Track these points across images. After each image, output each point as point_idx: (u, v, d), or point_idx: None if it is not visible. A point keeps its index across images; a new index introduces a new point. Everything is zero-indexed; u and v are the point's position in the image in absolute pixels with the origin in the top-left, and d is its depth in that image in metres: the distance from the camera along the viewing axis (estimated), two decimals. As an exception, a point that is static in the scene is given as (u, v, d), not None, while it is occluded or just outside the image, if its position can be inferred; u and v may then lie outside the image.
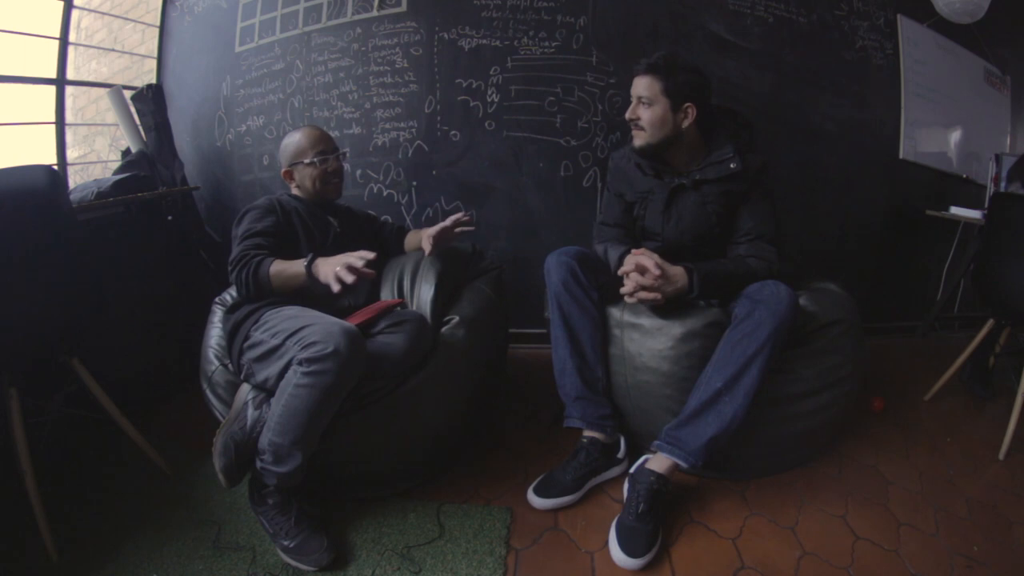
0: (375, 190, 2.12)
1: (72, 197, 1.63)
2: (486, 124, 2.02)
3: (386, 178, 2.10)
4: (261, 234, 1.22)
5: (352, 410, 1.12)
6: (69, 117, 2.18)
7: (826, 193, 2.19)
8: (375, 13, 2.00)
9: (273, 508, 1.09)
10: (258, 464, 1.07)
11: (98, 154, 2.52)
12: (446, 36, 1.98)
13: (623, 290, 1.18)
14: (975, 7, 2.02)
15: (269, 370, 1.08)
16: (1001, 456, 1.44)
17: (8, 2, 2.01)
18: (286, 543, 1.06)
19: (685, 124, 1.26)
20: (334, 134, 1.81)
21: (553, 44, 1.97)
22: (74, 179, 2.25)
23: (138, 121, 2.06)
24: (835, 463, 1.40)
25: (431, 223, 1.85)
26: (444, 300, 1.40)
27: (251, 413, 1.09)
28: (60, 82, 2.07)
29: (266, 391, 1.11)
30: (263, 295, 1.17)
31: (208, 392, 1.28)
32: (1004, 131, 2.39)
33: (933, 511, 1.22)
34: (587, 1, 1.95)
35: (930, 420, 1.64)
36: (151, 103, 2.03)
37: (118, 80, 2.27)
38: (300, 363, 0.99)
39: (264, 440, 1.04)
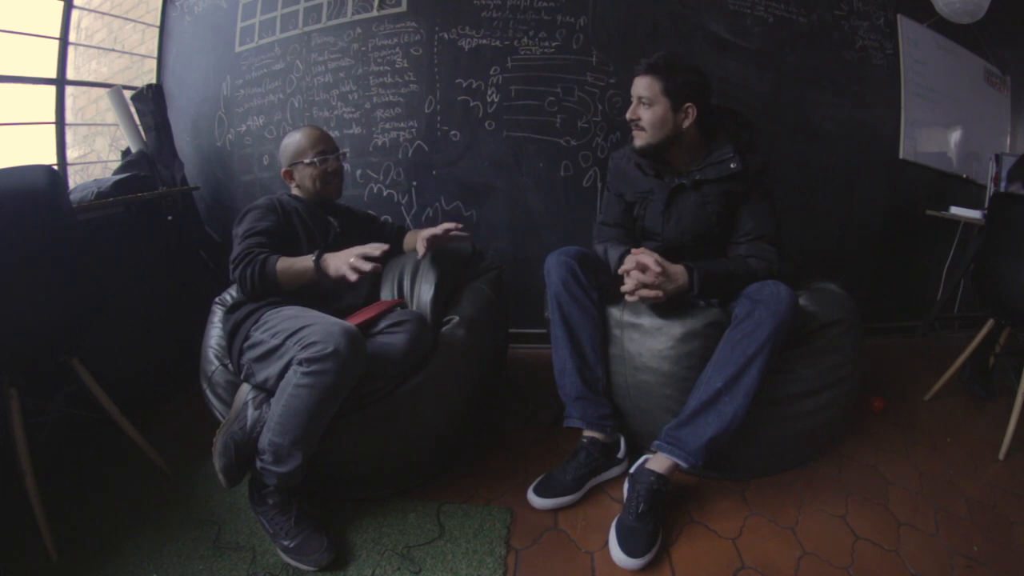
0: (375, 190, 2.12)
1: (72, 197, 1.63)
2: (486, 124, 2.02)
3: (386, 178, 2.10)
4: (263, 233, 1.22)
5: (352, 410, 1.12)
6: (69, 117, 2.17)
7: (826, 193, 2.19)
8: (375, 13, 2.00)
9: (273, 508, 1.09)
10: (258, 464, 1.07)
11: (98, 154, 2.52)
12: (446, 36, 1.98)
13: (624, 288, 1.18)
14: (975, 7, 2.01)
15: (269, 370, 1.08)
16: (1001, 456, 1.44)
17: (8, 2, 2.00)
18: (286, 543, 1.06)
19: (685, 124, 1.26)
20: (334, 134, 1.81)
21: (553, 44, 1.97)
22: (74, 179, 2.24)
23: (138, 121, 2.06)
24: (835, 463, 1.40)
25: (431, 223, 1.85)
26: (444, 300, 1.40)
27: (251, 413, 1.09)
28: (60, 82, 2.07)
29: (266, 391, 1.11)
30: (269, 292, 1.17)
31: (208, 392, 1.28)
32: (1004, 131, 2.39)
33: (933, 511, 1.22)
34: (587, 1, 1.95)
35: (930, 420, 1.64)
36: (151, 103, 2.03)
37: (118, 80, 2.27)
38: (300, 363, 0.99)
39: (264, 440, 1.04)
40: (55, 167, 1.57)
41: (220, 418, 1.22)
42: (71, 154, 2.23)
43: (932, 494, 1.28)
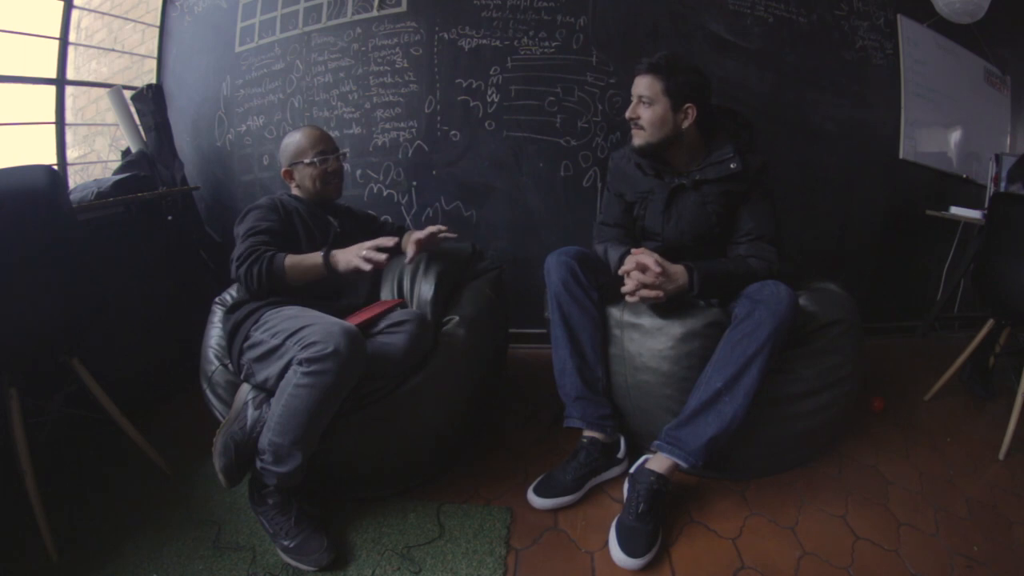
0: (375, 190, 2.11)
1: (72, 197, 1.63)
2: (486, 124, 2.02)
3: (386, 178, 2.10)
4: (266, 232, 1.23)
5: (352, 410, 1.12)
6: (69, 117, 2.17)
7: (826, 193, 2.19)
8: (375, 13, 2.00)
9: (273, 508, 1.09)
10: (258, 464, 1.07)
11: (98, 154, 2.52)
12: (446, 36, 1.98)
13: (624, 289, 1.18)
14: (975, 7, 2.01)
15: (269, 370, 1.08)
16: (1001, 456, 1.44)
17: (8, 2, 2.00)
18: (286, 543, 1.06)
19: (685, 124, 1.26)
20: (334, 134, 1.81)
21: (553, 44, 1.97)
22: (74, 179, 2.25)
23: (138, 121, 2.06)
24: (835, 463, 1.40)
25: (431, 223, 1.85)
26: (444, 300, 1.40)
27: (251, 413, 1.09)
28: (60, 82, 2.07)
29: (266, 391, 1.11)
30: (275, 289, 1.18)
31: (208, 392, 1.28)
32: (1004, 131, 2.39)
33: (933, 511, 1.22)
34: (587, 1, 1.95)
35: (930, 420, 1.64)
36: (151, 103, 2.03)
37: (118, 80, 2.27)
38: (300, 363, 0.99)
39: (264, 440, 1.04)
40: (55, 167, 1.57)
41: (220, 418, 1.22)
42: (71, 154, 2.23)
43: (932, 494, 1.28)
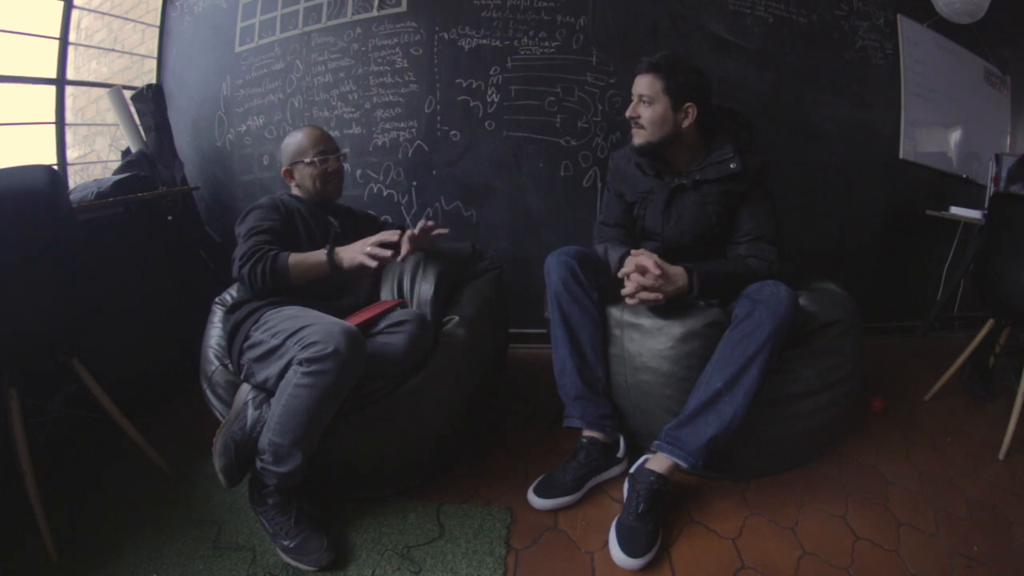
0: (375, 190, 2.11)
1: (72, 197, 1.63)
2: (486, 124, 2.02)
3: (386, 178, 2.10)
4: (268, 232, 1.23)
5: (352, 410, 1.12)
6: (69, 117, 2.17)
7: (826, 193, 2.19)
8: (375, 13, 2.00)
9: (273, 508, 1.09)
10: (258, 464, 1.07)
11: (98, 154, 2.52)
12: (446, 36, 1.98)
13: (624, 292, 1.18)
14: (975, 7, 2.01)
15: (269, 370, 1.08)
16: (1001, 456, 1.44)
17: (8, 2, 2.00)
18: (286, 543, 1.06)
19: (685, 124, 1.26)
20: (334, 134, 1.81)
21: (553, 44, 1.97)
22: (74, 179, 2.24)
23: (138, 121, 2.06)
24: (835, 463, 1.40)
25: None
26: (444, 300, 1.40)
27: (251, 413, 1.09)
28: (60, 82, 2.07)
29: (266, 391, 1.11)
30: (278, 288, 1.18)
31: (208, 392, 1.28)
32: (1004, 131, 2.39)
33: (933, 511, 1.22)
34: (587, 1, 1.95)
35: (930, 420, 1.64)
36: (151, 103, 2.03)
37: (118, 80, 2.27)
38: (300, 363, 0.99)
39: (264, 440, 1.04)
40: (55, 167, 1.57)
41: (220, 418, 1.22)
42: (71, 154, 2.23)
43: (932, 494, 1.28)
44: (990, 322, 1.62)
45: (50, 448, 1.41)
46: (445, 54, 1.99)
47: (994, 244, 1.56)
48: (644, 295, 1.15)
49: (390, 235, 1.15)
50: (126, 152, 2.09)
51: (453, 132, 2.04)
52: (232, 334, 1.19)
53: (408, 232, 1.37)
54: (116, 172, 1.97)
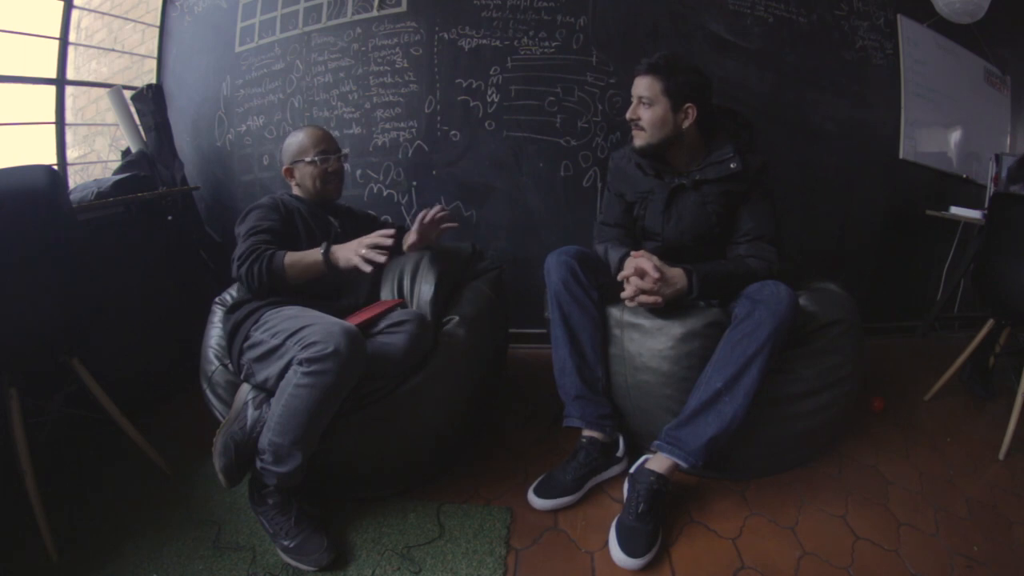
0: (375, 190, 2.11)
1: (72, 197, 1.63)
2: (486, 124, 2.02)
3: (386, 178, 2.10)
4: (267, 231, 1.23)
5: (352, 410, 1.12)
6: (69, 117, 2.17)
7: (826, 193, 2.19)
8: (375, 13, 2.00)
9: (273, 508, 1.09)
10: (258, 464, 1.07)
11: (98, 154, 2.52)
12: (446, 36, 1.98)
13: (624, 295, 1.19)
14: (975, 7, 2.01)
15: (269, 370, 1.08)
16: (1001, 456, 1.44)
17: (8, 2, 2.00)
18: (286, 543, 1.06)
19: (685, 124, 1.26)
20: (334, 134, 1.80)
21: (553, 44, 1.97)
22: (74, 179, 2.24)
23: (138, 121, 2.06)
24: (835, 463, 1.40)
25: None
26: (444, 300, 1.40)
27: (251, 413, 1.09)
28: (60, 82, 2.07)
29: (266, 391, 1.11)
30: (275, 288, 1.18)
31: (208, 392, 1.28)
32: (1004, 131, 2.39)
33: (933, 511, 1.22)
34: (587, 1, 1.95)
35: (930, 420, 1.64)
36: (151, 103, 2.03)
37: (118, 80, 2.27)
38: (300, 363, 0.99)
39: (264, 440, 1.04)
40: (55, 167, 1.57)
41: (220, 418, 1.22)
42: (71, 154, 2.23)
43: (932, 494, 1.28)
44: (990, 322, 1.62)
45: (50, 448, 1.41)
46: (445, 54, 1.99)
47: (994, 244, 1.56)
48: (643, 298, 1.16)
49: (384, 239, 1.12)
50: (126, 152, 2.09)
51: (453, 132, 2.04)
52: (232, 334, 1.19)
53: (419, 217, 1.37)
54: (116, 172, 1.97)
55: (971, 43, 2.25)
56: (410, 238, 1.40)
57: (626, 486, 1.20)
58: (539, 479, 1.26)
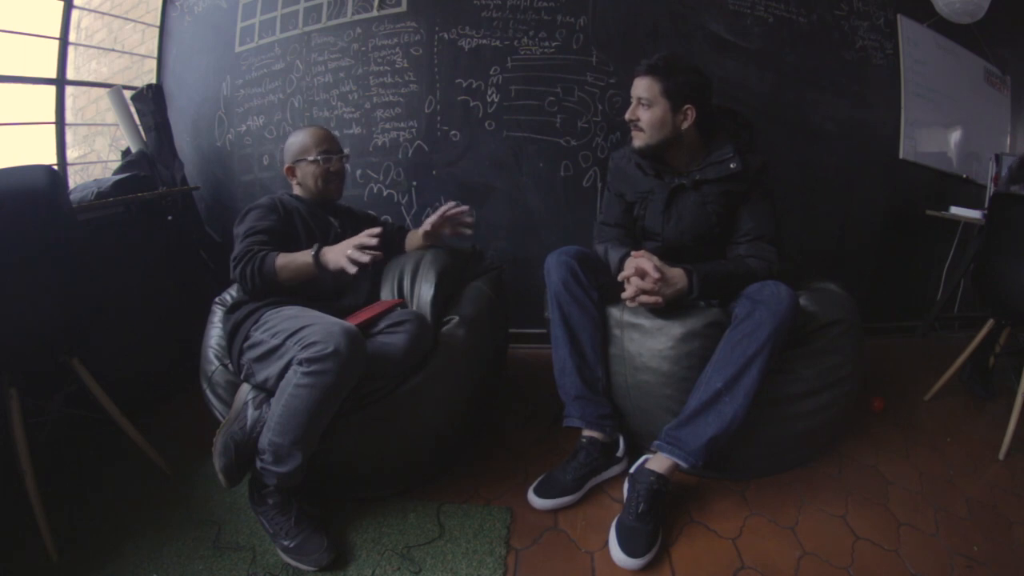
0: (375, 190, 2.11)
1: (72, 197, 1.63)
2: (486, 124, 2.02)
3: (386, 178, 2.10)
4: (265, 232, 1.23)
5: (352, 410, 1.12)
6: (69, 117, 2.17)
7: (826, 193, 2.19)
8: (375, 13, 2.00)
9: (273, 508, 1.09)
10: (258, 464, 1.07)
11: (98, 154, 2.52)
12: (446, 36, 1.98)
13: (624, 295, 1.19)
14: (975, 7, 2.01)
15: (269, 370, 1.08)
16: (1001, 456, 1.44)
17: (8, 2, 2.00)
18: (286, 543, 1.06)
19: (685, 125, 1.26)
20: (334, 134, 1.81)
21: (553, 44, 1.97)
22: (74, 179, 2.24)
23: (138, 121, 2.06)
24: (835, 463, 1.40)
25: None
26: (444, 300, 1.40)
27: (251, 413, 1.09)
28: (60, 82, 2.07)
29: (266, 391, 1.11)
30: (268, 289, 1.17)
31: (208, 392, 1.28)
32: (1004, 131, 2.39)
33: (933, 511, 1.22)
34: (587, 1, 1.95)
35: (930, 420, 1.64)
36: (151, 103, 2.03)
37: (118, 80, 2.27)
38: (300, 363, 0.99)
39: (264, 440, 1.04)
40: (55, 167, 1.57)
41: (220, 418, 1.22)
42: (71, 154, 2.23)
43: (932, 494, 1.28)
44: (990, 322, 1.62)
45: (50, 448, 1.41)
46: (445, 54, 1.99)
47: (994, 244, 1.56)
48: (644, 299, 1.16)
49: (369, 239, 1.10)
50: (126, 152, 2.09)
51: (453, 132, 2.04)
52: (232, 334, 1.19)
53: (439, 211, 1.41)
54: (116, 172, 1.97)
55: (971, 43, 2.25)
56: (423, 228, 1.43)
57: (626, 486, 1.20)
58: (539, 479, 1.26)
